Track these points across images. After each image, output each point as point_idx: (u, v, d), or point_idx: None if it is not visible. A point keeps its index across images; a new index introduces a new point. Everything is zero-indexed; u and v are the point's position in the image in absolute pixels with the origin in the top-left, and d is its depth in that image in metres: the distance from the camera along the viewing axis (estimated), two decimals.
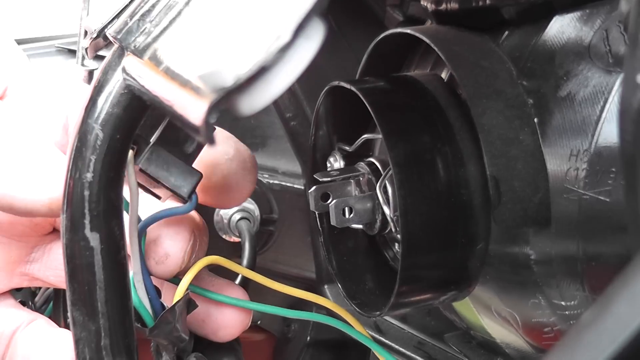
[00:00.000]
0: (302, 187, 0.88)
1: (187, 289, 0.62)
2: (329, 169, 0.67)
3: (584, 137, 0.52)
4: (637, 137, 0.34)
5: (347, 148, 0.66)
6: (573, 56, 0.54)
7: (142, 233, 0.58)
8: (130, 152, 0.54)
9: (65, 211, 0.55)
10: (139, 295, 0.60)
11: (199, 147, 0.57)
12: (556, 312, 0.56)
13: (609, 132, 0.51)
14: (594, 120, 0.52)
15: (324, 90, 0.64)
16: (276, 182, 0.88)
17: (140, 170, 0.55)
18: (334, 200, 0.60)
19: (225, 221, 0.85)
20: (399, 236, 0.65)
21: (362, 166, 0.63)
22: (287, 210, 0.87)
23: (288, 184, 0.88)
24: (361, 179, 0.63)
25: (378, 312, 0.61)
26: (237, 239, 0.86)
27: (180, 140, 0.56)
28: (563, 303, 0.56)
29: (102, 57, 0.79)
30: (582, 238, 0.53)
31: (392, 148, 0.55)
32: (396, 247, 0.66)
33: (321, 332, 0.94)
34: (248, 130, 0.92)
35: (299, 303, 0.82)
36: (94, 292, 0.56)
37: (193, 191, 0.56)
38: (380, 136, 0.64)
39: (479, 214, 0.56)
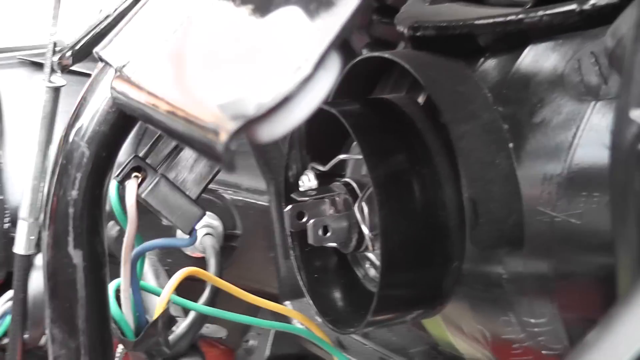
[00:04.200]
0: (266, 204, 0.89)
1: (167, 303, 0.63)
2: (301, 188, 0.68)
3: (557, 162, 0.55)
4: (630, 171, 0.36)
5: (320, 168, 0.67)
6: (547, 84, 0.56)
7: (139, 255, 0.59)
8: (135, 181, 0.55)
9: (48, 228, 0.56)
10: (123, 310, 0.61)
11: (205, 178, 0.58)
12: (525, 329, 0.59)
13: (581, 157, 0.54)
14: (566, 146, 0.54)
15: None
16: (240, 197, 0.89)
17: (144, 200, 0.56)
18: (312, 220, 0.61)
19: (198, 239, 0.86)
20: (372, 255, 0.67)
21: (337, 186, 0.64)
22: (250, 226, 0.88)
23: (251, 200, 0.89)
24: (337, 198, 0.64)
25: (352, 329, 0.63)
26: (200, 255, 0.87)
27: (187, 169, 0.57)
28: (533, 320, 0.58)
29: (73, 72, 0.79)
30: (554, 258, 0.55)
31: (373, 169, 0.57)
32: (367, 265, 0.68)
33: (281, 346, 0.95)
34: None
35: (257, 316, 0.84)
36: (75, 309, 0.57)
37: (193, 228, 0.57)
38: (355, 157, 0.66)
39: (455, 235, 0.58)
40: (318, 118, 0.64)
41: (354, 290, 0.68)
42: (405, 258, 0.58)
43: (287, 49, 0.34)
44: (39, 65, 0.98)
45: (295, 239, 0.69)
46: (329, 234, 0.62)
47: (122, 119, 0.55)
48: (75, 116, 0.55)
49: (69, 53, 0.75)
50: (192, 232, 0.58)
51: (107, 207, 0.77)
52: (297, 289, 0.87)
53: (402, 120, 0.60)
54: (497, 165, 0.56)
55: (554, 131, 0.55)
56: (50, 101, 0.76)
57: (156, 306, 0.63)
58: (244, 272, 0.88)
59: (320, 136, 0.68)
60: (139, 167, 0.57)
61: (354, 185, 0.63)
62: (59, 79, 0.77)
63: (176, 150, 0.57)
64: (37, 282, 0.81)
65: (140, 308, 0.62)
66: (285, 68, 0.34)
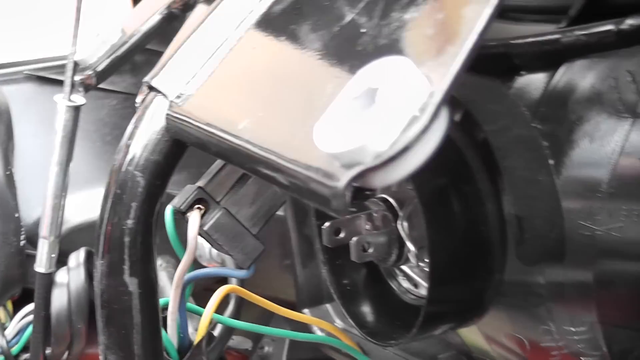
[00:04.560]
0: (281, 213, 0.90)
1: (210, 322, 0.64)
2: None
3: (598, 177, 0.57)
4: None
5: None
6: (584, 102, 0.58)
7: (190, 282, 0.60)
8: (197, 212, 0.56)
9: (103, 257, 0.56)
10: (168, 332, 0.62)
11: (270, 211, 0.58)
12: (565, 337, 0.61)
13: (621, 173, 0.56)
14: (606, 162, 0.56)
15: None
16: None
17: (204, 232, 0.57)
18: (355, 238, 0.63)
19: (207, 248, 0.87)
20: (406, 268, 0.68)
21: (373, 202, 0.66)
22: (264, 234, 0.88)
23: None
24: (374, 214, 0.66)
25: (394, 341, 0.64)
26: (216, 264, 0.88)
27: (249, 204, 0.58)
28: (572, 329, 0.60)
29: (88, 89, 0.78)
30: (594, 269, 0.58)
31: (419, 188, 0.58)
32: (400, 277, 0.70)
33: (296, 352, 0.96)
34: (210, 159, 0.93)
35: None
36: (131, 335, 0.57)
37: (253, 263, 0.58)
38: None
39: (497, 249, 0.60)
40: None
41: (386, 302, 0.70)
42: (450, 273, 0.59)
43: (400, 97, 0.35)
44: (45, 80, 0.97)
45: (327, 253, 0.70)
46: (370, 251, 0.63)
47: (176, 148, 0.55)
48: (127, 145, 0.56)
49: (92, 73, 0.75)
50: (250, 266, 0.58)
51: None
52: (315, 296, 0.89)
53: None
54: (539, 182, 0.58)
55: (593, 148, 0.57)
56: (71, 120, 0.76)
57: (199, 326, 0.64)
58: (258, 280, 0.89)
59: None
60: (202, 199, 0.58)
61: (392, 202, 0.64)
62: (79, 98, 0.76)
63: (239, 184, 0.58)
64: (59, 299, 0.81)
65: (185, 330, 0.63)
66: (403, 117, 0.35)
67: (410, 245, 0.61)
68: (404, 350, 0.84)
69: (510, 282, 0.62)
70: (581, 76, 0.59)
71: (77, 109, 0.76)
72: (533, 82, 0.62)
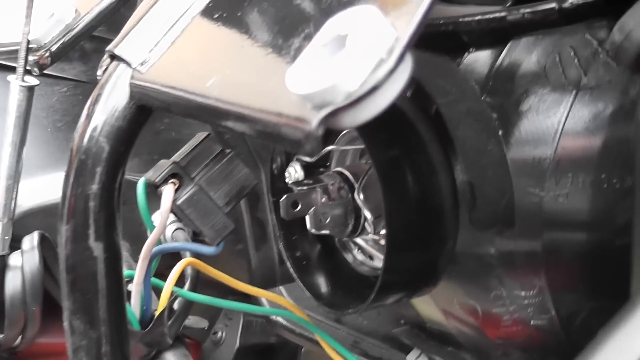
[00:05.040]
0: None
1: (171, 294, 0.65)
2: (287, 179, 0.72)
3: (544, 147, 0.60)
4: None
5: (306, 159, 0.71)
6: (530, 76, 0.62)
7: (158, 254, 0.61)
8: (172, 186, 0.57)
9: (67, 222, 0.57)
10: (132, 303, 0.63)
11: (241, 191, 0.60)
12: (516, 302, 0.64)
13: (566, 142, 0.60)
14: (552, 132, 0.60)
15: None
16: None
17: (177, 206, 0.58)
18: (313, 208, 0.65)
19: (167, 234, 0.88)
20: (360, 240, 0.71)
21: (328, 175, 0.68)
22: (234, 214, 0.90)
23: None
24: (330, 187, 0.68)
25: (351, 310, 0.67)
26: None
27: (220, 183, 0.60)
28: (523, 293, 0.64)
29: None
30: (542, 234, 0.61)
31: (375, 157, 0.61)
32: (355, 251, 0.72)
33: (249, 337, 0.98)
34: (170, 144, 0.95)
35: None
36: (96, 300, 0.58)
37: (222, 240, 0.59)
38: (343, 148, 0.70)
39: (449, 217, 0.63)
40: None
41: (342, 275, 0.72)
42: (406, 240, 0.62)
43: (368, 41, 0.38)
44: None
45: (283, 228, 0.73)
46: (327, 221, 0.66)
47: (139, 114, 0.57)
48: (90, 113, 0.57)
49: (47, 53, 0.76)
50: (219, 243, 0.61)
51: None
52: (268, 279, 0.91)
53: (394, 112, 0.64)
54: (489, 152, 0.61)
55: (540, 118, 0.61)
56: (24, 100, 0.77)
57: (161, 297, 0.65)
58: (211, 264, 0.91)
59: None
60: (176, 174, 0.60)
61: (348, 174, 0.67)
62: (32, 79, 0.77)
63: (213, 162, 0.60)
64: (12, 281, 0.81)
65: (148, 302, 0.64)
66: (369, 59, 0.37)
67: (367, 213, 0.64)
68: (357, 330, 0.87)
69: (462, 253, 0.65)
70: (527, 52, 0.63)
71: (31, 90, 0.77)
72: (481, 58, 0.65)
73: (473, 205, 0.61)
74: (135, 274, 0.63)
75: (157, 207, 0.63)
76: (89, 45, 0.98)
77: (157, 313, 0.65)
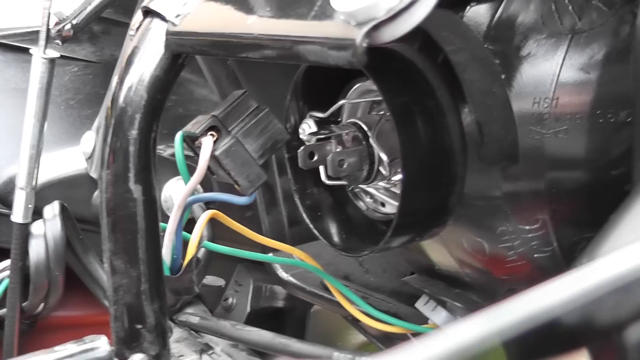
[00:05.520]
0: None
1: (198, 243, 0.70)
2: (301, 135, 0.77)
3: (544, 87, 0.66)
4: None
5: (320, 115, 0.76)
6: (529, 24, 0.68)
7: (193, 203, 0.66)
8: (211, 138, 0.62)
9: (109, 167, 0.62)
10: (163, 251, 0.67)
11: (275, 145, 0.64)
12: (521, 236, 0.70)
13: (564, 81, 0.65)
14: (551, 73, 0.66)
15: (302, 65, 0.74)
16: None
17: (215, 157, 0.62)
18: (331, 154, 0.70)
19: (175, 200, 0.92)
20: (372, 189, 0.76)
21: (342, 126, 0.74)
22: (226, 187, 0.95)
23: None
24: (344, 136, 0.73)
25: (367, 251, 0.72)
26: None
27: (256, 136, 0.64)
28: (527, 227, 0.69)
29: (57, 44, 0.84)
30: (545, 170, 0.67)
31: (390, 101, 0.66)
32: (368, 199, 0.78)
33: (259, 302, 1.03)
34: (178, 119, 0.99)
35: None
36: (136, 240, 0.63)
37: (255, 190, 0.64)
38: (354, 101, 0.76)
39: (459, 157, 0.68)
40: (313, 71, 0.73)
41: (355, 222, 0.77)
42: (420, 179, 0.67)
43: None
44: (9, 48, 1.01)
45: (298, 182, 0.78)
46: (344, 166, 0.71)
47: (174, 64, 0.62)
48: (128, 64, 0.62)
49: (69, 25, 0.80)
50: (252, 193, 0.65)
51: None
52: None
53: (404, 62, 0.70)
54: (494, 94, 0.67)
55: (539, 62, 0.67)
56: (47, 72, 0.81)
57: (189, 245, 0.70)
58: (221, 233, 0.95)
59: (315, 88, 0.76)
60: (215, 126, 0.64)
61: (361, 123, 0.72)
62: (53, 51, 0.81)
63: (249, 116, 0.65)
64: (36, 248, 0.85)
65: (179, 251, 0.69)
66: None
67: (383, 156, 0.69)
68: (364, 286, 0.92)
69: (470, 193, 0.70)
70: (525, 2, 0.69)
71: (52, 62, 0.81)
72: (482, 10, 0.71)
73: (481, 142, 0.66)
74: (169, 222, 0.67)
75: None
76: (98, 27, 1.02)
77: (185, 261, 0.69)
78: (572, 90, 0.65)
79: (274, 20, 0.51)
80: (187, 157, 0.66)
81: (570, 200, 0.67)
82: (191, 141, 0.66)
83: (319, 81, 0.75)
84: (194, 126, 0.65)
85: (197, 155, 0.65)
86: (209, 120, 0.64)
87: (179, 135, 0.65)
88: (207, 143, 0.63)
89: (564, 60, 0.66)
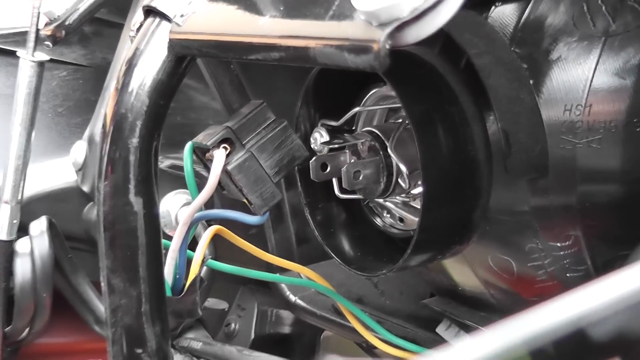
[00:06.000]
0: None
1: (202, 261, 0.72)
2: (312, 145, 0.79)
3: (576, 93, 0.69)
4: None
5: (332, 123, 0.79)
6: (559, 26, 0.70)
7: (199, 221, 0.68)
8: (223, 151, 0.65)
9: (107, 178, 0.65)
10: (166, 270, 0.69)
11: (292, 162, 0.67)
12: (551, 254, 0.72)
13: (598, 87, 0.68)
14: (584, 79, 0.68)
15: (314, 70, 0.77)
16: None
17: (227, 171, 0.65)
18: (345, 165, 0.73)
19: (173, 215, 0.95)
20: (390, 204, 0.79)
21: (358, 135, 0.76)
22: (228, 202, 0.97)
23: None
24: (360, 146, 0.76)
25: (384, 271, 0.74)
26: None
27: (271, 152, 0.66)
28: (559, 244, 0.71)
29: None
30: (577, 182, 0.69)
31: (409, 108, 0.69)
32: (384, 215, 0.80)
33: (264, 328, 1.05)
34: (176, 129, 1.02)
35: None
36: (136, 257, 0.65)
37: (268, 209, 0.66)
38: (369, 108, 0.78)
39: (483, 169, 0.71)
40: (327, 75, 0.76)
41: (371, 240, 0.80)
42: (442, 192, 0.70)
43: None
44: None
45: (309, 196, 0.80)
46: (360, 178, 0.73)
47: (178, 67, 0.64)
48: (129, 67, 0.65)
49: (61, 25, 0.83)
50: (265, 213, 0.67)
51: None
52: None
53: (424, 66, 0.73)
54: (521, 100, 0.70)
55: (570, 67, 0.69)
56: (35, 77, 0.84)
57: (193, 264, 0.72)
58: (225, 252, 0.98)
59: (328, 94, 0.79)
60: (228, 138, 0.66)
61: (378, 132, 0.75)
62: (42, 54, 0.84)
63: (266, 129, 0.67)
64: (22, 268, 0.87)
65: (182, 270, 0.71)
66: None
67: (402, 167, 0.72)
68: (379, 310, 0.94)
69: (496, 207, 0.73)
70: (554, 3, 0.72)
71: (41, 66, 0.83)
72: (508, 11, 0.74)
73: (508, 153, 0.69)
74: (173, 238, 0.69)
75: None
76: (89, 28, 1.05)
77: (188, 281, 0.71)
78: (606, 97, 0.67)
79: (288, 21, 0.54)
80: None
81: (604, 215, 0.70)
82: (202, 153, 0.68)
83: (331, 87, 0.78)
84: (205, 137, 0.67)
85: (207, 168, 0.67)
86: (223, 132, 0.66)
87: (188, 146, 0.67)
88: (219, 156, 0.65)
89: (597, 64, 0.68)
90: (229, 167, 0.65)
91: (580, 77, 0.69)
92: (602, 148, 0.67)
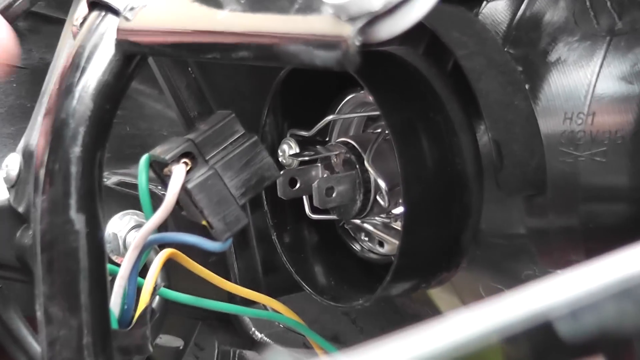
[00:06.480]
0: None
1: (153, 291, 0.74)
2: (280, 157, 0.82)
3: (578, 100, 0.71)
4: None
5: (303, 133, 0.82)
6: (558, 24, 0.73)
7: (153, 244, 0.70)
8: (184, 167, 0.65)
9: (44, 192, 0.67)
10: (112, 299, 0.71)
11: (261, 182, 0.68)
12: None
13: (602, 93, 0.71)
14: (586, 83, 0.71)
15: (282, 73, 0.80)
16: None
17: (186, 190, 0.66)
18: (317, 181, 0.76)
19: (121, 239, 0.97)
20: (369, 226, 0.81)
21: (334, 147, 0.79)
22: (184, 224, 0.99)
23: None
24: (334, 160, 0.79)
25: (360, 301, 0.77)
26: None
27: (237, 171, 0.67)
28: (558, 271, 0.75)
29: None
30: (579, 201, 0.72)
31: (388, 116, 0.72)
32: (362, 238, 0.83)
33: None
34: (125, 140, 1.04)
35: None
36: (77, 282, 0.67)
37: (231, 235, 0.67)
38: (345, 116, 0.82)
39: (473, 184, 0.74)
40: (295, 79, 0.79)
41: (346, 266, 0.83)
42: (426, 211, 0.73)
43: None
44: None
45: (275, 218, 0.83)
46: (334, 195, 0.76)
47: (127, 67, 0.67)
48: (71, 67, 0.67)
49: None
50: (227, 239, 0.67)
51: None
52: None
53: (406, 69, 0.76)
54: (516, 107, 0.73)
55: (571, 69, 0.72)
56: None
57: (142, 293, 0.74)
58: (181, 282, 1.00)
59: (298, 100, 0.82)
60: (190, 153, 0.66)
61: (354, 143, 0.78)
62: None
63: (232, 145, 0.67)
64: None
65: (131, 300, 0.72)
66: None
67: (381, 183, 0.75)
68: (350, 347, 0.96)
69: (488, 229, 0.76)
70: None
71: None
72: (501, 7, 0.77)
73: (500, 166, 0.72)
74: (123, 263, 0.70)
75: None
76: (24, 23, 1.07)
77: (137, 312, 0.73)
78: (612, 104, 0.70)
79: (250, 15, 0.57)
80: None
81: (610, 237, 0.72)
82: (159, 168, 0.69)
83: (302, 92, 0.81)
84: (164, 150, 0.67)
85: (165, 185, 0.68)
86: (184, 145, 0.67)
87: (144, 159, 0.68)
88: (178, 172, 0.66)
89: (600, 67, 0.71)
90: (189, 186, 0.66)
91: (582, 81, 0.71)
92: (607, 162, 0.70)
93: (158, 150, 0.68)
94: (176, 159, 0.67)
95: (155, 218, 0.67)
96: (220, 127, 0.69)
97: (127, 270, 0.70)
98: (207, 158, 0.67)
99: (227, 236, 0.68)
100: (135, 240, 0.69)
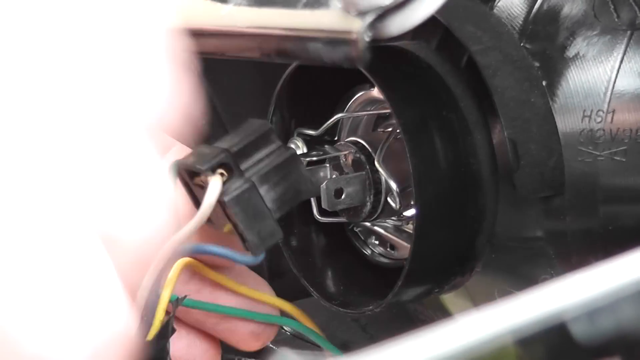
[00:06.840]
0: None
1: (177, 300, 0.74)
2: None
3: (597, 97, 0.72)
4: None
5: (311, 132, 0.82)
6: (578, 16, 0.74)
7: (181, 256, 0.70)
8: (220, 178, 0.65)
9: None
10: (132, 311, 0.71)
11: (297, 196, 0.68)
12: None
13: (622, 90, 0.71)
14: (606, 79, 0.72)
15: (289, 69, 0.80)
16: None
17: (222, 203, 0.65)
18: (325, 182, 0.76)
19: None
20: (379, 229, 0.82)
21: (343, 146, 0.80)
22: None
23: None
24: (343, 160, 0.79)
25: (371, 307, 0.77)
26: None
27: (273, 184, 0.67)
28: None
29: None
30: (599, 202, 0.73)
31: (400, 115, 0.72)
32: (372, 242, 0.84)
33: None
34: None
35: None
36: None
37: (265, 250, 0.67)
38: (354, 114, 0.82)
39: (488, 185, 0.74)
40: (302, 76, 0.80)
41: (356, 271, 0.83)
42: (439, 213, 0.73)
43: None
44: None
45: (282, 221, 0.83)
46: (343, 197, 0.77)
47: None
48: None
49: None
50: (261, 253, 0.67)
51: None
52: None
53: (418, 65, 0.77)
54: (533, 104, 0.73)
55: (590, 65, 0.73)
56: None
57: (159, 305, 0.72)
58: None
59: (305, 98, 0.83)
60: (227, 164, 0.66)
61: (364, 143, 0.79)
62: None
63: (269, 157, 0.67)
64: None
65: (152, 312, 0.71)
66: None
67: (392, 184, 0.75)
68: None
69: (504, 232, 0.76)
70: None
71: None
72: (518, 0, 0.78)
73: (517, 165, 0.72)
74: (147, 274, 0.68)
75: None
76: None
77: (156, 321, 0.71)
78: (632, 101, 0.71)
79: (255, 10, 0.58)
80: None
81: (631, 239, 0.73)
82: (188, 176, 0.69)
83: (309, 89, 0.82)
84: (197, 159, 0.67)
85: (192, 195, 0.68)
86: (221, 156, 0.66)
87: (172, 167, 0.67)
88: (215, 184, 0.65)
89: (621, 63, 0.72)
90: (226, 199, 0.65)
91: (601, 77, 0.72)
92: (627, 161, 0.71)
93: (187, 158, 0.67)
94: (212, 169, 0.66)
95: (186, 230, 0.65)
96: (255, 138, 0.68)
97: (150, 282, 0.69)
98: (243, 169, 0.67)
99: (261, 251, 0.68)
100: (163, 249, 0.68)
